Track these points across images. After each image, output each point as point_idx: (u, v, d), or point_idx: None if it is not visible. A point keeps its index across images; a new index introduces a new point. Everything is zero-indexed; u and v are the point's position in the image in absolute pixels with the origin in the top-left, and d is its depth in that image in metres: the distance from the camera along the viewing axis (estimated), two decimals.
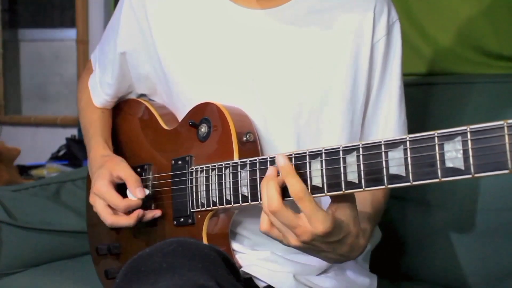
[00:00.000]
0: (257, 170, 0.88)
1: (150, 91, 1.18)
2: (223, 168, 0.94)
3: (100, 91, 1.20)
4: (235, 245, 1.03)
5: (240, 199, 0.91)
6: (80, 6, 3.15)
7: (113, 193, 1.03)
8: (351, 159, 0.77)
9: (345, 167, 0.77)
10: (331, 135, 1.03)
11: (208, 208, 0.97)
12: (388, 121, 1.07)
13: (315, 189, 0.80)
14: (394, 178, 0.72)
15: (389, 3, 1.06)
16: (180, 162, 1.03)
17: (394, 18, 1.06)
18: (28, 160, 2.82)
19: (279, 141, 1.01)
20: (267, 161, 0.87)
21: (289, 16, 1.03)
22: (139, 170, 1.11)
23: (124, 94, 1.22)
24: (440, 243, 1.28)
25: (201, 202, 0.98)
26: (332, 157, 0.79)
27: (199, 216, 0.99)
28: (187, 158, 1.02)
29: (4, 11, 3.39)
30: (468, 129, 0.66)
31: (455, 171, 0.67)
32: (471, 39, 1.44)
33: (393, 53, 1.06)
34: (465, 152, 0.66)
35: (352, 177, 0.76)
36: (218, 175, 0.95)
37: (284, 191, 0.82)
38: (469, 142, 0.66)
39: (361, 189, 0.76)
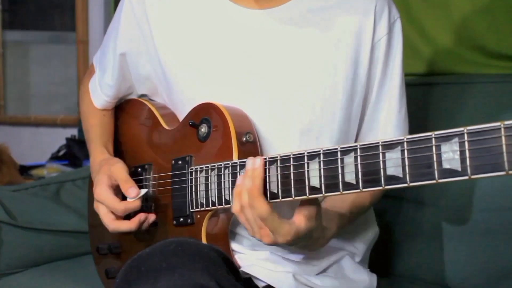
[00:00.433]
0: None
1: (151, 92, 1.18)
2: (223, 168, 0.94)
3: (100, 92, 1.20)
4: (234, 245, 1.03)
5: None
6: (80, 6, 3.16)
7: (111, 196, 1.03)
8: (349, 159, 0.77)
9: (342, 168, 0.77)
10: (331, 135, 1.03)
11: (207, 208, 0.97)
12: (388, 117, 1.07)
13: (313, 190, 0.81)
14: (391, 179, 0.73)
15: (389, 2, 1.06)
16: (180, 162, 1.03)
17: (395, 17, 1.06)
18: (28, 160, 2.82)
19: (279, 141, 1.02)
20: (266, 161, 0.87)
21: (289, 16, 1.03)
22: (139, 170, 1.11)
23: (125, 95, 1.21)
24: (440, 242, 1.28)
25: (200, 202, 0.98)
26: (330, 157, 0.79)
27: (199, 216, 0.99)
28: (187, 158, 1.02)
29: (4, 11, 3.39)
30: (465, 130, 0.66)
31: (452, 172, 0.67)
32: (471, 39, 1.44)
33: (395, 51, 1.06)
34: (462, 153, 0.66)
35: (350, 177, 0.77)
36: (217, 175, 0.95)
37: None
38: (466, 143, 0.66)
39: (359, 190, 0.76)
